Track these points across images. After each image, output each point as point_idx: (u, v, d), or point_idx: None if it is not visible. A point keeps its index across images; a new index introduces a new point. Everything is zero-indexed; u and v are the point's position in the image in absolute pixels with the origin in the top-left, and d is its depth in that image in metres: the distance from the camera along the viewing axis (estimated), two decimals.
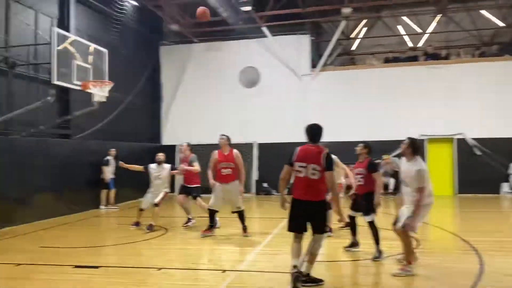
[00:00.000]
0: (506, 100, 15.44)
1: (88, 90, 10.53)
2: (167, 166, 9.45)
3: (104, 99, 10.77)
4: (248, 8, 14.62)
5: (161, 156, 9.42)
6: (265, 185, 16.93)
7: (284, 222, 9.44)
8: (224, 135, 8.54)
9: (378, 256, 6.38)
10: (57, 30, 10.09)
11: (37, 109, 10.65)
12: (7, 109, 10.35)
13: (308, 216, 5.11)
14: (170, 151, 17.18)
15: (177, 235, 8.79)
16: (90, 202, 12.60)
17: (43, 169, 10.81)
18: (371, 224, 6.53)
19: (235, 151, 8.37)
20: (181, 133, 16.82)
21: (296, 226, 5.16)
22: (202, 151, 14.59)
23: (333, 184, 5.15)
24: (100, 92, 10.58)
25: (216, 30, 18.45)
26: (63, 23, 12.19)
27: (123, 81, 15.57)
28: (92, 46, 11.19)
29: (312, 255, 5.11)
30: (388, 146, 15.81)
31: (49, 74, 10.25)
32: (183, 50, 18.19)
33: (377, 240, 6.44)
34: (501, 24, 18.06)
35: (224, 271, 5.88)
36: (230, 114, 17.27)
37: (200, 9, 8.99)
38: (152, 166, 9.33)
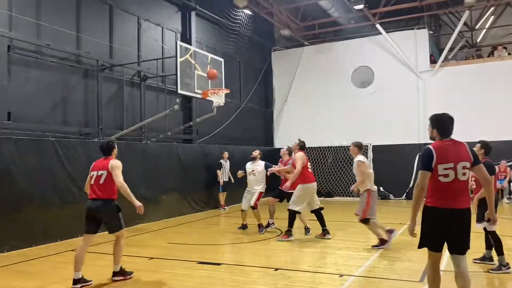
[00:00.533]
0: None
1: (208, 98, 11.24)
2: (262, 163, 9.35)
3: (221, 105, 11.41)
4: (361, 6, 14.24)
5: (255, 152, 9.49)
6: (381, 189, 16.27)
7: (403, 228, 9.03)
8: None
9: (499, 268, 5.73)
10: (180, 43, 10.96)
11: (165, 116, 11.71)
12: (140, 118, 11.58)
13: (455, 228, 3.93)
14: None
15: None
16: (211, 203, 13.42)
17: (170, 172, 11.82)
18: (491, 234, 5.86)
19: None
20: (293, 135, 16.98)
21: (437, 242, 3.97)
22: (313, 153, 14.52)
23: (486, 178, 4.08)
24: (217, 99, 11.22)
25: (327, 31, 18.36)
26: (185, 36, 13.27)
27: (238, 87, 16.37)
28: (210, 56, 11.93)
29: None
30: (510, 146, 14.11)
31: (174, 85, 11.21)
32: (294, 54, 18.42)
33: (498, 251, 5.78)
34: None
35: (341, 275, 5.80)
36: (342, 116, 17.01)
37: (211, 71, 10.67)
38: (248, 163, 9.49)
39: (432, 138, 4.19)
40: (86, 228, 5.64)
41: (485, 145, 6.09)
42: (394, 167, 15.55)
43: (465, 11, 15.18)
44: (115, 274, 5.77)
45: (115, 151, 5.95)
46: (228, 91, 11.48)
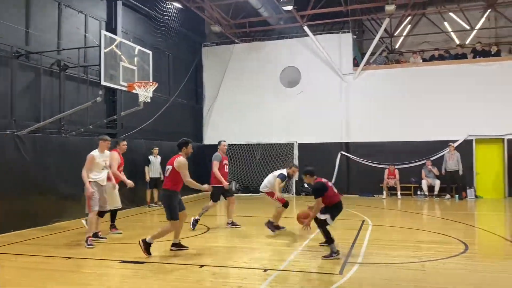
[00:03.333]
0: None
1: (134, 91, 10.85)
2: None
3: (148, 100, 11.07)
4: (290, 7, 14.57)
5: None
6: (306, 185, 16.83)
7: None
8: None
9: None
10: (105, 33, 10.46)
11: (87, 109, 11.10)
12: (58, 109, 10.87)
13: None
14: (212, 150, 17.47)
15: (218, 232, 8.93)
16: (137, 200, 12.94)
17: None
18: None
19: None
20: (223, 132, 17.04)
21: None
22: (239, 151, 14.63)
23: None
24: (144, 92, 10.87)
25: (257, 30, 18.57)
26: (110, 26, 12.68)
27: (166, 81, 15.98)
28: (137, 48, 11.52)
29: None
30: (433, 147, 15.39)
31: (97, 76, 10.66)
32: (224, 51, 18.41)
33: None
34: None
35: (265, 270, 5.90)
36: (271, 114, 17.33)
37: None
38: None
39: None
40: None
41: (307, 171, 7.23)
42: (318, 164, 16.12)
43: (386, 19, 16.14)
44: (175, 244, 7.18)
45: (186, 149, 6.95)
46: (156, 85, 11.15)
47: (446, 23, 18.83)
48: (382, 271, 5.84)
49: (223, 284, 5.34)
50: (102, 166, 8.00)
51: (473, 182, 15.26)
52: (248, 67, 17.93)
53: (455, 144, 15.18)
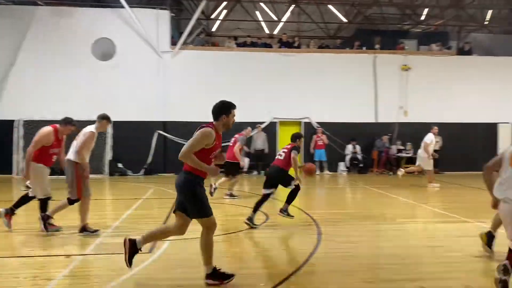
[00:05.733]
0: (344, 89, 17.26)
1: None
2: None
3: None
4: None
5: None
6: (120, 165, 16.18)
7: (138, 203, 9.22)
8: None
9: None
10: None
11: None
12: None
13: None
14: (6, 126, 15.22)
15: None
16: None
17: None
18: None
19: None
20: (23, 104, 15.00)
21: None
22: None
23: None
24: None
25: None
26: None
27: None
28: None
29: None
30: (242, 127, 16.34)
31: None
32: (24, 13, 16.03)
33: None
34: (344, 20, 20.11)
35: (68, 256, 5.44)
36: (80, 88, 15.93)
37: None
38: None
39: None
40: None
41: None
42: (133, 144, 15.73)
43: (203, 0, 16.41)
44: None
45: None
46: None
47: (257, 12, 20.26)
48: (189, 246, 5.99)
49: (15, 276, 4.71)
50: None
51: None
52: (55, 34, 15.97)
53: (263, 126, 16.63)
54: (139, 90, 16.20)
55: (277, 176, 7.32)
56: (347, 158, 17.30)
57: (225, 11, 20.06)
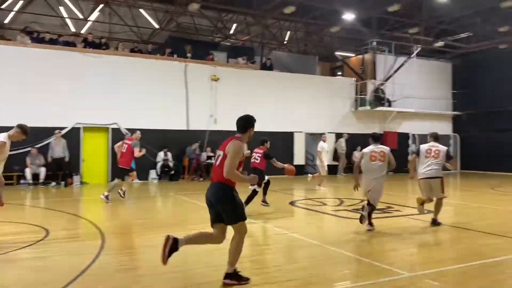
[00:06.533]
0: (156, 95, 16.98)
1: None
2: None
3: None
4: None
5: None
6: None
7: None
8: None
9: None
10: None
11: None
12: None
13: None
14: None
15: None
16: None
17: None
18: None
19: None
20: None
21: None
22: None
23: None
24: None
25: None
26: None
27: None
28: None
29: None
30: (39, 133, 14.49)
31: None
32: None
33: None
34: (156, 26, 19.95)
35: None
36: None
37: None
38: None
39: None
40: None
41: None
42: None
43: None
44: None
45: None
46: None
47: (62, 8, 18.55)
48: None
49: None
50: None
51: (80, 168, 15.67)
52: None
53: (63, 132, 15.13)
54: None
55: (259, 175, 8.49)
56: (159, 165, 17.03)
57: (21, 2, 17.78)
